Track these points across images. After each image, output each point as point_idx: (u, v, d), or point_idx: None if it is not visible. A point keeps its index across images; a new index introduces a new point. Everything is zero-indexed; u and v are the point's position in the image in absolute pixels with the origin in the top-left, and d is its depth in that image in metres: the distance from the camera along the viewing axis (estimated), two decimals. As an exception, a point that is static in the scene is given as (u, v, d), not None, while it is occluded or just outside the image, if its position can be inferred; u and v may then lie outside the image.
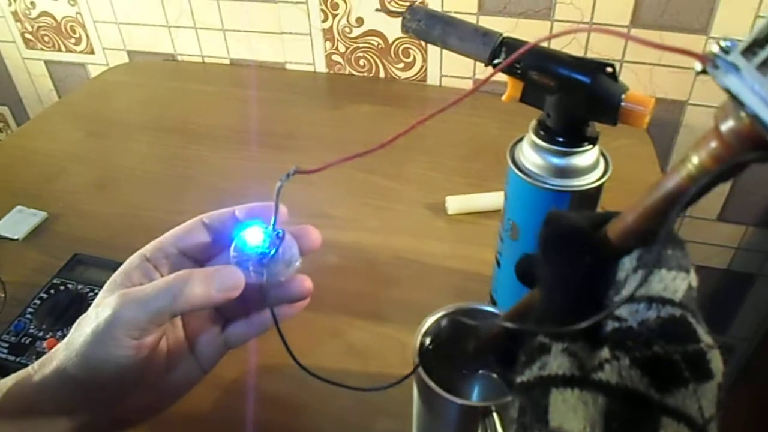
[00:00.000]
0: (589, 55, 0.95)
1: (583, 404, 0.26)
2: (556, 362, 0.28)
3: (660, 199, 0.27)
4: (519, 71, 0.47)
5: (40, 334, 0.61)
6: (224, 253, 0.45)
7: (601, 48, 0.95)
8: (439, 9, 0.97)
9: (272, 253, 0.41)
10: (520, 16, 0.95)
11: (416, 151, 0.88)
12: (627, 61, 0.95)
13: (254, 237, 0.42)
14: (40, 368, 0.40)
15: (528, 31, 0.96)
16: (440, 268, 0.70)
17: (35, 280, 0.68)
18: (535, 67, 0.47)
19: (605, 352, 0.27)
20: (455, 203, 0.77)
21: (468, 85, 1.05)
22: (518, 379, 0.29)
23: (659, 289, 0.27)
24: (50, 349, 0.58)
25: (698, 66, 0.25)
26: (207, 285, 0.40)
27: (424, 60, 1.05)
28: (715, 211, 1.08)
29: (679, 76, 0.94)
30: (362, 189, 0.82)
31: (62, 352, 0.40)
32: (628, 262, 0.29)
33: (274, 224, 0.42)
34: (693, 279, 0.29)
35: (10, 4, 1.25)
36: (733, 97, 0.23)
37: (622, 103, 0.44)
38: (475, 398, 0.53)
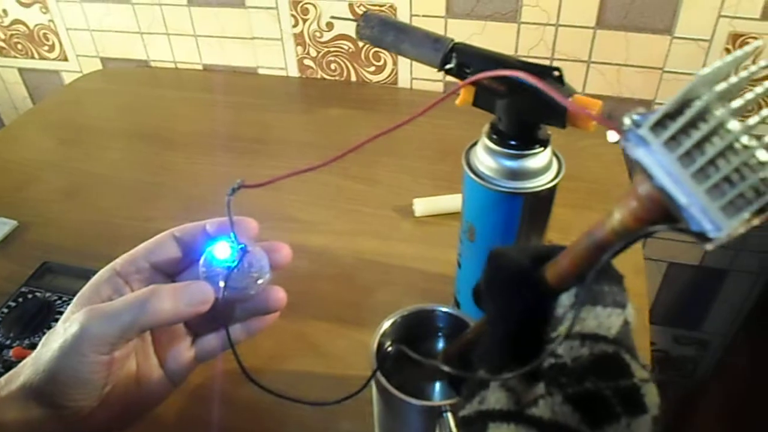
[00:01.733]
0: (556, 56, 0.97)
1: None
2: (494, 397, 0.29)
3: (589, 247, 0.28)
4: (469, 76, 0.48)
5: (8, 342, 0.61)
6: (195, 266, 0.45)
7: (568, 49, 0.96)
8: (408, 12, 0.98)
9: (234, 266, 0.42)
10: (487, 18, 0.96)
11: (384, 154, 0.89)
12: (594, 62, 0.96)
13: (222, 251, 0.42)
14: (7, 384, 0.40)
15: (495, 33, 0.97)
16: (407, 270, 0.71)
17: (4, 288, 0.68)
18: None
19: (540, 388, 0.28)
20: (422, 205, 0.78)
21: (438, 87, 1.06)
22: (460, 413, 0.30)
23: (593, 326, 0.28)
24: (17, 357, 0.59)
25: (613, 137, 0.25)
26: (175, 300, 0.40)
27: (395, 63, 1.06)
28: (685, 209, 1.10)
29: (646, 75, 0.96)
30: (331, 192, 0.82)
31: (29, 368, 0.39)
32: (566, 299, 0.30)
33: (234, 237, 0.43)
34: (629, 314, 0.30)
35: (-18, 13, 1.25)
36: (643, 169, 0.24)
37: (570, 107, 0.45)
38: (437, 397, 0.54)
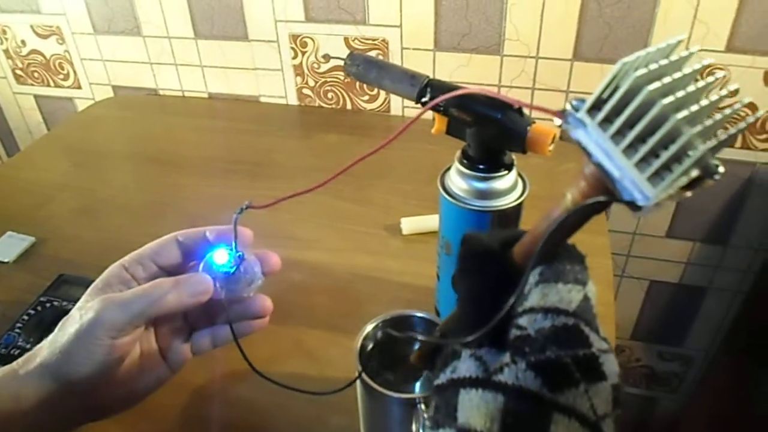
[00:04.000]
0: (537, 86, 1.04)
1: (485, 402, 0.30)
2: (465, 366, 0.32)
3: (548, 227, 0.31)
4: (442, 109, 0.55)
5: (28, 346, 0.67)
6: (194, 268, 0.52)
7: (548, 80, 1.03)
8: (399, 46, 1.06)
9: (233, 271, 0.49)
10: (472, 51, 1.03)
11: (376, 177, 0.96)
12: (572, 91, 1.03)
13: (220, 257, 0.49)
14: (25, 364, 0.46)
15: (480, 65, 1.04)
16: (394, 283, 0.77)
17: (24, 298, 0.74)
18: (455, 105, 0.54)
19: (506, 357, 0.30)
20: (409, 224, 0.84)
21: (428, 114, 1.12)
22: (434, 382, 0.33)
23: (555, 301, 0.31)
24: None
25: (557, 121, 0.29)
26: (179, 291, 0.46)
27: (387, 93, 1.13)
28: (663, 229, 1.16)
29: (621, 104, 1.02)
30: (325, 212, 0.89)
31: (46, 350, 0.46)
32: (532, 278, 0.32)
33: (235, 247, 0.50)
34: (590, 291, 0.32)
35: (1, 43, 1.33)
36: (583, 148, 0.27)
37: (528, 134, 0.52)
38: (417, 392, 0.60)
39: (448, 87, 0.55)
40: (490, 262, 0.34)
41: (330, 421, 0.62)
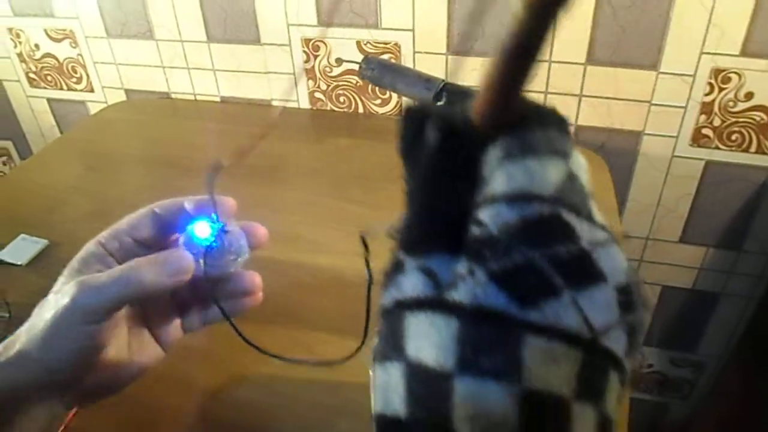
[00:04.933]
0: (550, 90, 1.03)
1: (436, 330, 0.23)
2: (410, 282, 0.25)
3: (500, 56, 0.24)
4: (457, 112, 0.55)
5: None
6: (175, 243, 0.48)
7: (561, 84, 1.02)
8: (411, 50, 1.06)
9: (215, 245, 0.44)
10: (485, 56, 1.03)
11: (387, 180, 0.95)
12: (585, 96, 1.03)
13: (201, 230, 0.45)
14: (5, 351, 0.42)
15: (493, 69, 1.03)
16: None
17: (36, 300, 0.72)
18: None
19: (462, 267, 0.23)
20: (422, 228, 0.83)
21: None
22: (380, 304, 0.26)
23: (524, 183, 0.23)
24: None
25: None
26: (158, 270, 0.42)
27: (399, 96, 1.13)
28: (676, 234, 1.15)
29: (635, 108, 1.02)
30: (335, 215, 0.88)
31: (24, 336, 0.42)
32: (493, 154, 0.24)
33: (216, 218, 0.45)
34: (577, 166, 0.25)
35: (15, 46, 1.34)
36: None
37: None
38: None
39: (464, 90, 0.55)
40: (439, 130, 0.25)
41: (337, 425, 0.62)
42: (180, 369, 0.65)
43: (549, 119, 0.25)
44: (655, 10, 0.93)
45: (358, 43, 1.08)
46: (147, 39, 1.22)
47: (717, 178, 1.06)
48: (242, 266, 0.47)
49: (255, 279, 0.49)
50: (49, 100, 1.41)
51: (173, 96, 1.29)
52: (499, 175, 0.23)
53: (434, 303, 0.23)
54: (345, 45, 1.10)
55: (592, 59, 0.99)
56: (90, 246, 0.46)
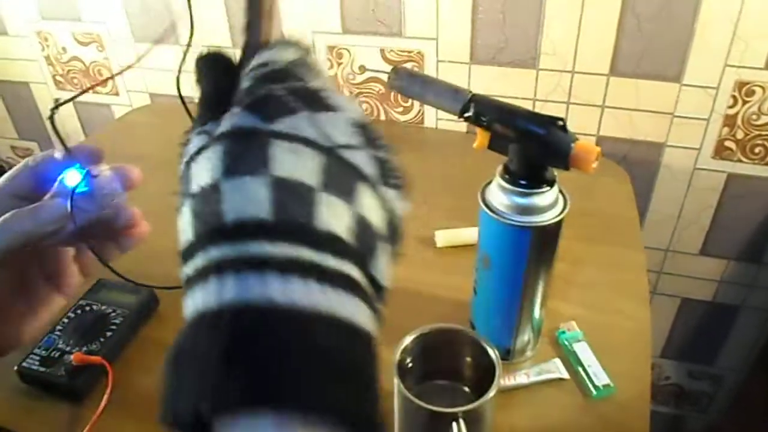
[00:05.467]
0: (572, 100, 1.04)
1: (207, 159, 0.29)
2: (194, 144, 0.31)
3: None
4: (485, 123, 0.55)
5: (68, 348, 0.69)
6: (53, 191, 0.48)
7: (583, 94, 1.03)
8: (434, 59, 1.06)
9: (79, 190, 0.45)
10: (508, 65, 1.03)
11: (412, 188, 0.96)
12: (608, 107, 1.03)
13: (73, 179, 0.46)
14: None
15: (515, 78, 1.04)
16: (428, 296, 0.77)
17: (64, 301, 0.75)
18: (498, 121, 0.54)
19: (226, 115, 0.30)
20: (443, 237, 0.84)
21: (461, 127, 1.13)
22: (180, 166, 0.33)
23: (266, 58, 0.32)
24: (77, 362, 0.66)
25: None
26: (34, 219, 0.43)
27: (421, 105, 1.14)
28: (697, 246, 1.14)
29: (657, 120, 1.02)
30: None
31: None
32: (247, 70, 0.33)
33: (75, 165, 0.46)
34: (305, 55, 0.33)
35: (43, 49, 1.36)
36: None
37: (572, 151, 0.52)
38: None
39: (491, 103, 0.55)
40: (217, 62, 0.35)
41: None
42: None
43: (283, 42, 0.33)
44: (679, 22, 0.93)
45: (381, 51, 1.09)
46: (172, 44, 1.23)
47: (739, 190, 1.06)
48: (117, 206, 0.49)
49: (133, 213, 0.51)
50: (74, 103, 1.43)
51: (197, 101, 1.30)
52: (252, 63, 0.32)
53: (206, 144, 0.29)
54: (368, 53, 1.10)
55: (615, 70, 0.99)
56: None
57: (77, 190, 0.45)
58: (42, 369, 0.66)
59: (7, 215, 0.43)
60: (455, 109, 0.56)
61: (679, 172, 1.06)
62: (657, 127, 1.03)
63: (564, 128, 0.52)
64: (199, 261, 0.28)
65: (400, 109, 1.16)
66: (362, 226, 0.30)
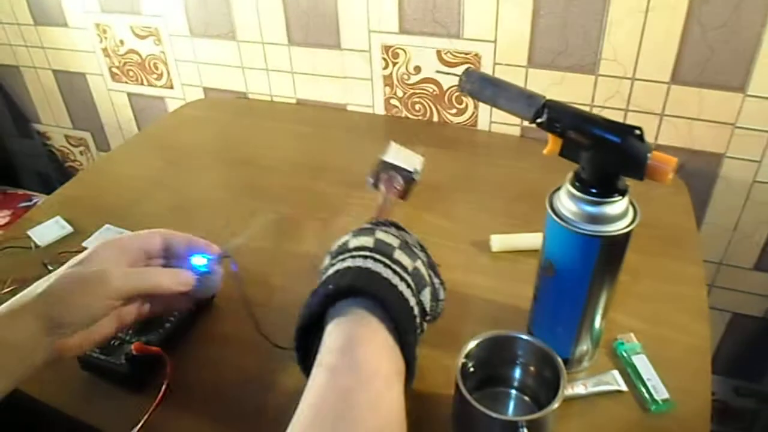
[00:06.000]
0: (631, 108, 1.02)
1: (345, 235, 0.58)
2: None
3: None
4: (559, 130, 0.54)
5: (127, 338, 0.69)
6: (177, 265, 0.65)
7: (642, 102, 1.01)
8: (491, 61, 1.06)
9: (205, 271, 0.65)
10: (566, 70, 1.02)
11: (466, 193, 0.95)
12: (667, 115, 1.01)
13: (198, 262, 0.65)
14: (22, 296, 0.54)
15: (573, 84, 1.03)
16: (482, 301, 0.76)
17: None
18: (572, 128, 0.54)
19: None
20: (499, 241, 0.83)
21: (515, 131, 1.12)
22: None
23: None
24: (137, 351, 0.67)
25: None
26: (171, 279, 0.60)
27: (476, 107, 1.13)
28: (751, 261, 1.12)
29: (718, 130, 0.99)
30: (413, 224, 0.87)
31: (36, 294, 0.54)
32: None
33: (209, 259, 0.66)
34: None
35: (101, 41, 1.39)
36: None
37: (648, 161, 0.51)
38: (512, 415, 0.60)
39: (565, 109, 0.55)
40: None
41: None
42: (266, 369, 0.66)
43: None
44: (746, 31, 0.91)
45: (438, 52, 1.09)
46: (229, 39, 1.24)
47: (799, 206, 1.03)
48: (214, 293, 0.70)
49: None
50: (129, 95, 1.46)
51: (250, 96, 1.32)
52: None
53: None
54: (425, 53, 1.10)
55: (677, 78, 0.97)
56: (155, 242, 0.64)
57: (202, 270, 0.65)
58: (102, 357, 0.67)
59: (151, 267, 0.62)
60: (528, 115, 0.55)
61: (738, 185, 1.04)
62: (717, 137, 1.00)
63: (641, 138, 0.51)
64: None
65: (454, 111, 1.15)
66: (418, 275, 0.57)
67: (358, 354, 0.47)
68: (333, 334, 0.49)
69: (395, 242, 0.57)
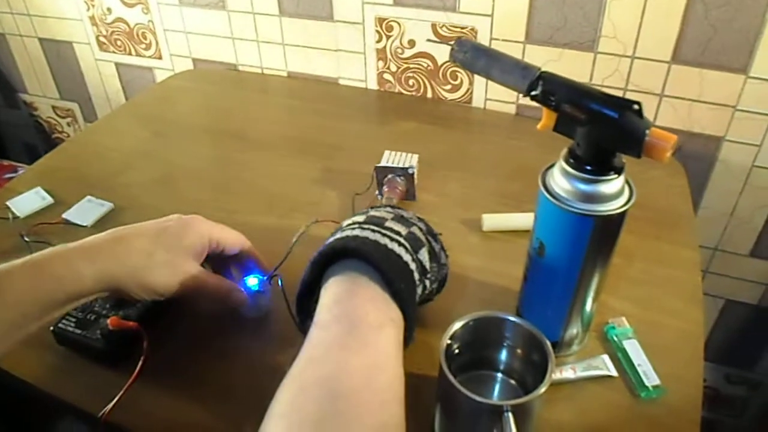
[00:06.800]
0: (630, 87, 0.99)
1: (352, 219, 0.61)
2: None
3: None
4: (553, 103, 0.52)
5: (104, 312, 0.67)
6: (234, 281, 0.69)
7: (641, 81, 0.98)
8: (488, 36, 1.03)
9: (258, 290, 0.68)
10: (564, 46, 0.99)
11: (458, 170, 0.93)
12: (667, 96, 0.98)
13: (252, 282, 0.68)
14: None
15: (571, 61, 1.00)
16: (472, 281, 0.75)
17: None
18: (568, 101, 0.51)
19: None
20: (490, 221, 0.81)
21: (511, 109, 1.09)
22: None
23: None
24: (113, 326, 0.64)
25: None
26: (228, 297, 0.65)
27: (471, 83, 1.10)
28: (747, 247, 1.10)
29: (718, 112, 0.97)
30: (404, 202, 0.86)
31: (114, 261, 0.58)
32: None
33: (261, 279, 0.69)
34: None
35: (88, 9, 1.35)
36: None
37: (646, 138, 0.48)
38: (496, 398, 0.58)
39: (561, 81, 0.52)
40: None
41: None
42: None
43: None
44: (750, 10, 0.88)
45: (433, 25, 1.06)
46: (219, 9, 1.21)
47: (799, 191, 1.01)
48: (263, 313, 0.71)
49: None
50: (117, 65, 1.43)
51: (240, 68, 1.29)
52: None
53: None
54: (419, 27, 1.07)
55: (677, 58, 0.95)
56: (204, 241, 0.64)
57: (254, 287, 0.68)
58: (78, 331, 0.65)
59: (232, 284, 0.66)
60: (522, 87, 0.53)
61: (736, 169, 1.02)
62: (717, 119, 0.98)
63: (640, 113, 0.49)
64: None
65: (448, 87, 1.12)
66: (413, 237, 0.58)
67: (346, 307, 0.49)
68: (325, 294, 0.51)
69: (388, 216, 0.59)
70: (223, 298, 0.64)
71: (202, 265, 0.64)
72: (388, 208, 0.62)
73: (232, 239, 0.67)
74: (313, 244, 0.58)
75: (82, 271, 0.55)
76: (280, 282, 0.66)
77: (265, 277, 0.68)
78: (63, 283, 0.54)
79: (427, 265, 0.58)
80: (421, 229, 0.60)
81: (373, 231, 0.55)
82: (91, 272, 0.55)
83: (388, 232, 0.56)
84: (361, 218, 0.59)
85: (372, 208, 0.63)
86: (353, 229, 0.56)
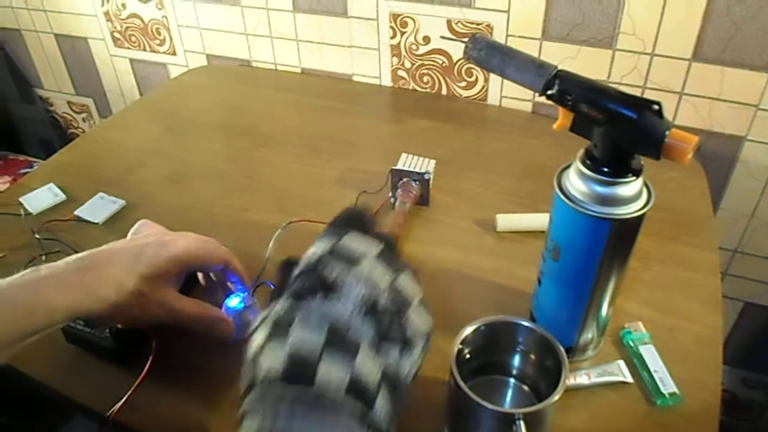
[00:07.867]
0: (649, 85, 0.97)
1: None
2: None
3: None
4: (570, 103, 0.50)
5: (114, 311, 0.67)
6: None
7: (661, 79, 0.96)
8: (504, 32, 1.01)
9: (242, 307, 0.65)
10: (582, 43, 0.97)
11: (471, 169, 0.92)
12: (686, 94, 0.96)
13: (234, 302, 0.65)
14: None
15: (589, 58, 0.98)
16: (484, 282, 0.73)
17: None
18: (585, 101, 0.50)
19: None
20: (504, 221, 0.80)
21: (527, 107, 1.07)
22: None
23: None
24: (122, 325, 0.64)
25: None
26: (211, 327, 0.62)
27: (486, 80, 1.09)
28: (767, 249, 1.08)
29: (739, 111, 0.95)
30: (416, 207, 0.85)
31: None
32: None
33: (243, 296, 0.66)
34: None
35: (102, 5, 1.35)
36: None
37: (666, 140, 0.47)
38: (508, 406, 0.57)
39: (578, 80, 0.51)
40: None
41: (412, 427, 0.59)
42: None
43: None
44: (774, 7, 0.86)
45: (448, 21, 1.04)
46: (233, 5, 1.20)
47: (821, 193, 0.99)
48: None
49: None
50: (131, 61, 1.43)
51: (254, 64, 1.28)
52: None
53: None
54: (434, 23, 1.06)
55: (698, 56, 0.93)
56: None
57: (237, 307, 0.64)
58: (87, 330, 0.64)
59: (215, 311, 0.62)
60: (537, 86, 0.52)
61: (757, 169, 0.99)
62: (738, 119, 0.96)
63: (660, 113, 0.47)
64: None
65: (463, 84, 1.11)
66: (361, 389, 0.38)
67: None
68: None
69: (321, 340, 0.39)
70: (205, 329, 0.61)
71: (194, 281, 0.68)
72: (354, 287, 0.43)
73: (214, 256, 0.64)
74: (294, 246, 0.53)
75: (53, 303, 0.51)
76: (271, 285, 0.65)
77: (247, 292, 0.65)
78: (33, 314, 0.51)
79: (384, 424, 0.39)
80: (384, 361, 0.41)
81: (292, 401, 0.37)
82: (61, 304, 0.52)
83: (314, 397, 0.37)
84: (281, 358, 0.39)
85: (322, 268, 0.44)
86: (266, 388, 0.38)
